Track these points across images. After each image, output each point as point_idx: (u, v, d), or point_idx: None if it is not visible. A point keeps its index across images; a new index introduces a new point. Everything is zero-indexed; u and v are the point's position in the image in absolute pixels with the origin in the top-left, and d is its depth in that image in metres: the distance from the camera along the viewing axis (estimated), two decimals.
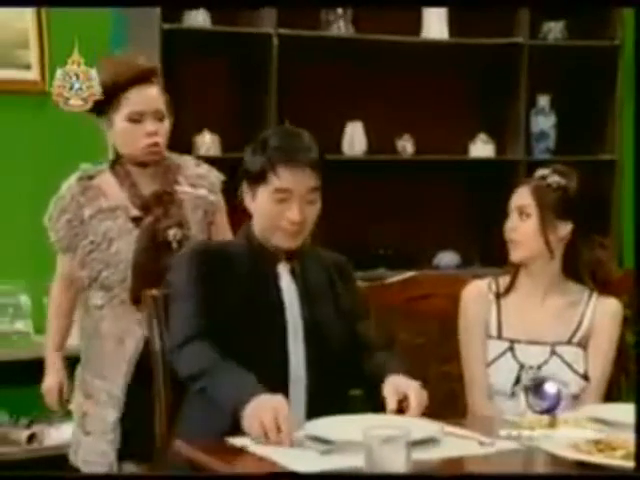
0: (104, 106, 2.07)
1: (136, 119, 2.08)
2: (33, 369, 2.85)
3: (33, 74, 2.98)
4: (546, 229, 1.97)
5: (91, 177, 2.16)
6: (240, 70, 3.20)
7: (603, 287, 2.02)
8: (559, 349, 1.98)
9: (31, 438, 2.75)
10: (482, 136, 3.41)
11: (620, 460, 1.45)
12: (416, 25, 3.28)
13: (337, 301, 1.88)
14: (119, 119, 2.09)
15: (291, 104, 3.11)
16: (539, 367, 1.92)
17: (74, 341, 2.67)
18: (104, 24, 3.02)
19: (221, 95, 3.16)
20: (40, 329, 2.88)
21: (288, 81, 3.10)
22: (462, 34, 3.28)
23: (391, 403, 1.69)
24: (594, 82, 3.51)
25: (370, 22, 3.22)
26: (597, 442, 1.52)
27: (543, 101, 3.45)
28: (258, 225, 1.83)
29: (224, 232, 2.24)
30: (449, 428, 1.65)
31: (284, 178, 1.76)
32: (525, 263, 2.02)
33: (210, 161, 3.03)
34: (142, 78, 2.09)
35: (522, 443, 1.59)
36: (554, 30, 3.40)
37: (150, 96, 2.10)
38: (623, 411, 1.72)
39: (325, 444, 1.55)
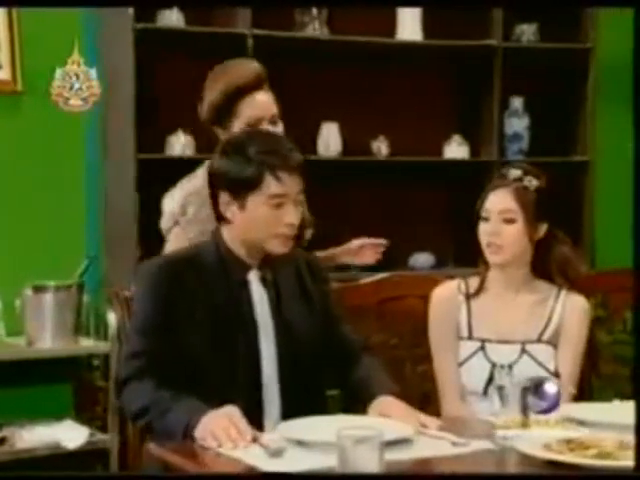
0: (223, 112, 2.14)
1: (255, 124, 2.13)
2: (4, 372, 2.83)
3: (4, 74, 2.94)
4: (531, 232, 1.98)
5: None
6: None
7: (573, 284, 2.02)
8: (529, 347, 1.99)
9: (2, 441, 2.71)
10: (456, 137, 3.42)
11: (591, 459, 1.45)
12: (391, 26, 3.28)
13: (310, 302, 1.87)
14: (238, 125, 2.13)
15: None
16: (510, 366, 1.93)
17: None
18: (76, 23, 2.99)
19: (195, 95, 3.13)
20: (11, 332, 2.85)
21: None
22: (436, 36, 3.29)
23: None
24: (567, 84, 3.54)
25: (345, 23, 3.22)
26: (569, 441, 1.52)
27: (516, 103, 3.47)
28: (247, 234, 1.78)
29: None
30: (423, 429, 1.65)
31: (282, 183, 1.73)
32: (505, 265, 2.02)
33: (184, 162, 3.04)
34: (258, 84, 2.15)
35: (495, 443, 1.59)
36: (527, 32, 3.43)
37: (266, 102, 2.17)
38: (597, 410, 1.74)
39: (298, 445, 1.55)
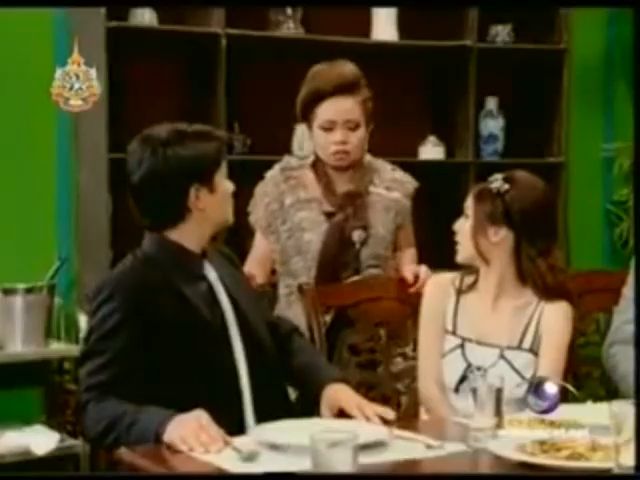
0: (307, 113, 2.26)
1: (327, 127, 2.24)
2: None
3: None
4: (476, 232, 1.99)
5: (293, 168, 2.28)
6: (188, 70, 3.16)
7: (546, 294, 2.01)
8: (508, 354, 1.99)
9: None
10: (432, 138, 3.41)
11: (564, 460, 1.46)
12: (366, 26, 3.28)
13: (246, 290, 1.89)
14: (315, 126, 2.26)
15: (240, 105, 3.08)
16: (485, 370, 1.93)
17: None
18: (47, 21, 2.95)
19: (168, 95, 3.11)
20: None
21: (237, 82, 3.07)
22: (411, 36, 3.29)
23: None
24: (541, 85, 3.55)
25: (320, 22, 3.20)
26: (542, 443, 1.52)
27: (491, 104, 3.47)
28: (218, 215, 1.78)
29: (408, 236, 2.38)
30: (397, 431, 1.64)
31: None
32: (466, 264, 2.04)
33: None
34: (338, 90, 2.23)
35: (469, 445, 1.59)
36: (501, 33, 3.43)
37: (342, 107, 2.23)
38: (570, 412, 1.73)
39: (271, 449, 1.54)
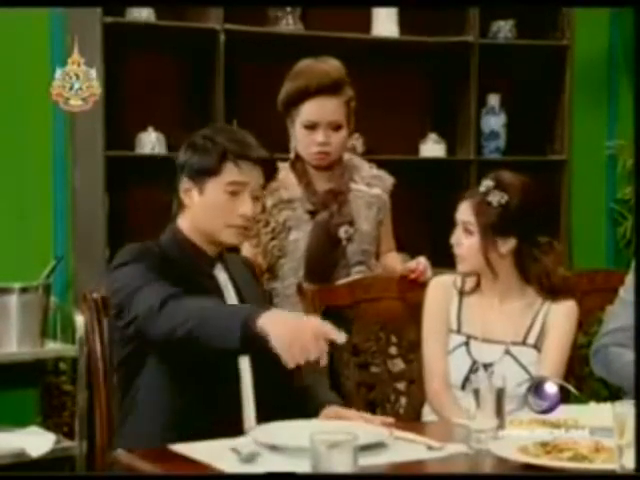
0: (290, 109, 2.23)
1: (310, 127, 2.21)
2: None
3: None
4: (486, 248, 1.98)
5: None
6: (186, 66, 3.14)
7: (552, 293, 2.02)
8: (513, 349, 1.99)
9: None
10: (433, 136, 3.39)
11: (567, 462, 1.45)
12: (366, 22, 3.26)
13: (259, 300, 1.87)
14: (298, 124, 2.23)
15: (239, 101, 3.06)
16: (491, 365, 1.93)
17: None
18: (43, 17, 2.93)
19: (166, 92, 3.09)
20: None
21: (235, 78, 3.05)
22: (412, 32, 3.27)
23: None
24: (543, 81, 3.53)
25: (319, 18, 3.18)
26: (545, 444, 1.51)
27: (493, 100, 3.45)
28: (203, 221, 1.77)
29: (388, 233, 2.36)
30: (397, 433, 1.63)
31: (241, 171, 1.76)
32: (470, 274, 2.04)
33: (155, 160, 2.98)
34: (322, 90, 2.19)
35: (471, 446, 1.57)
36: (503, 29, 3.41)
37: (326, 107, 2.20)
38: (573, 412, 1.71)
39: (271, 450, 1.52)
